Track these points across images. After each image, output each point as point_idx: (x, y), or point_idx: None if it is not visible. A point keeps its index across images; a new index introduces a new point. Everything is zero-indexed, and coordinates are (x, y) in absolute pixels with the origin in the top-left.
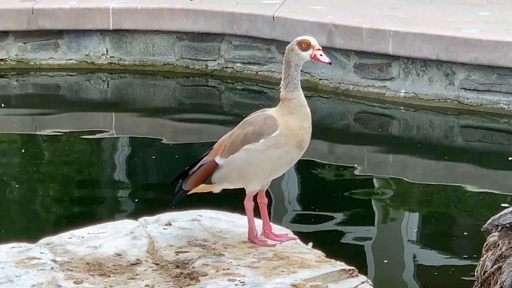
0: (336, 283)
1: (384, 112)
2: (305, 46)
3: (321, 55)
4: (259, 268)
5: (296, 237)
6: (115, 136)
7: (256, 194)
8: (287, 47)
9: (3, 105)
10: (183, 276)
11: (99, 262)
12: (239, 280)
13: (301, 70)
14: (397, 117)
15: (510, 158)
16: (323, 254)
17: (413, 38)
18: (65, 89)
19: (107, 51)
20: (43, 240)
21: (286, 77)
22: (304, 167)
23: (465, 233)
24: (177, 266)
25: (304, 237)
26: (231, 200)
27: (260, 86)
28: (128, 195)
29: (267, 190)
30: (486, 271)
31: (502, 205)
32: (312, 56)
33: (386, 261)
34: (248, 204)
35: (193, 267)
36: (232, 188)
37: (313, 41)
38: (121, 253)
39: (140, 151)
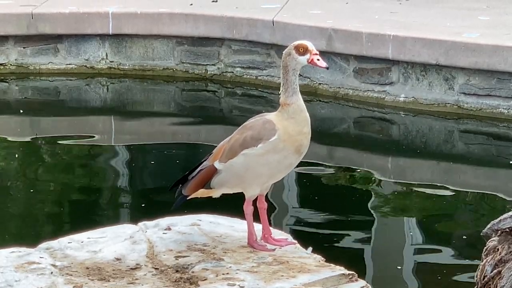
0: None
1: (384, 117)
2: (302, 50)
3: (318, 59)
4: (258, 272)
5: (296, 241)
6: (115, 140)
7: (256, 199)
8: (284, 52)
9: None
10: (183, 281)
11: (98, 267)
12: (239, 285)
13: (300, 75)
14: (396, 121)
15: (510, 162)
16: (322, 258)
17: (412, 43)
18: (65, 94)
19: (106, 55)
20: (43, 245)
21: (285, 82)
22: (303, 171)
23: (464, 237)
24: (177, 271)
25: (304, 241)
26: (231, 205)
27: (260, 90)
28: (127, 199)
29: (266, 194)
30: (486, 275)
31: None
32: (309, 60)
33: (385, 266)
34: (248, 208)
35: (193, 272)
36: (231, 192)
37: (310, 45)
38: (120, 257)
39: (139, 156)
